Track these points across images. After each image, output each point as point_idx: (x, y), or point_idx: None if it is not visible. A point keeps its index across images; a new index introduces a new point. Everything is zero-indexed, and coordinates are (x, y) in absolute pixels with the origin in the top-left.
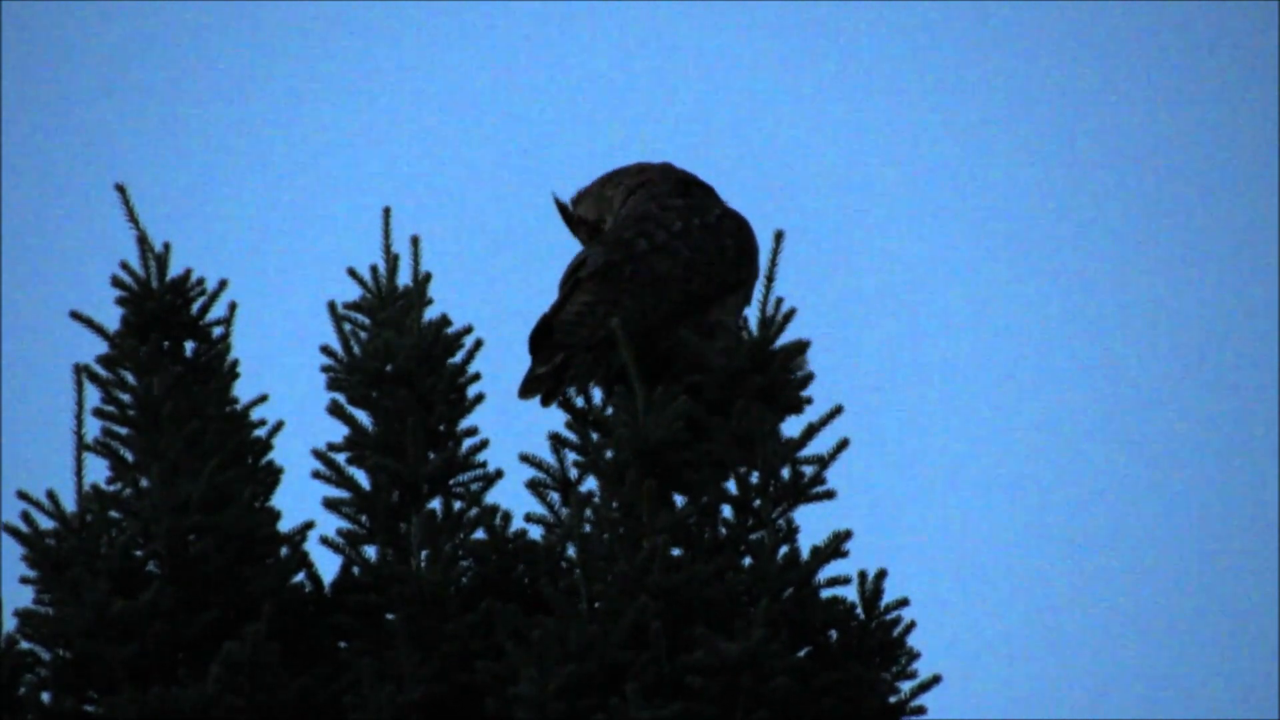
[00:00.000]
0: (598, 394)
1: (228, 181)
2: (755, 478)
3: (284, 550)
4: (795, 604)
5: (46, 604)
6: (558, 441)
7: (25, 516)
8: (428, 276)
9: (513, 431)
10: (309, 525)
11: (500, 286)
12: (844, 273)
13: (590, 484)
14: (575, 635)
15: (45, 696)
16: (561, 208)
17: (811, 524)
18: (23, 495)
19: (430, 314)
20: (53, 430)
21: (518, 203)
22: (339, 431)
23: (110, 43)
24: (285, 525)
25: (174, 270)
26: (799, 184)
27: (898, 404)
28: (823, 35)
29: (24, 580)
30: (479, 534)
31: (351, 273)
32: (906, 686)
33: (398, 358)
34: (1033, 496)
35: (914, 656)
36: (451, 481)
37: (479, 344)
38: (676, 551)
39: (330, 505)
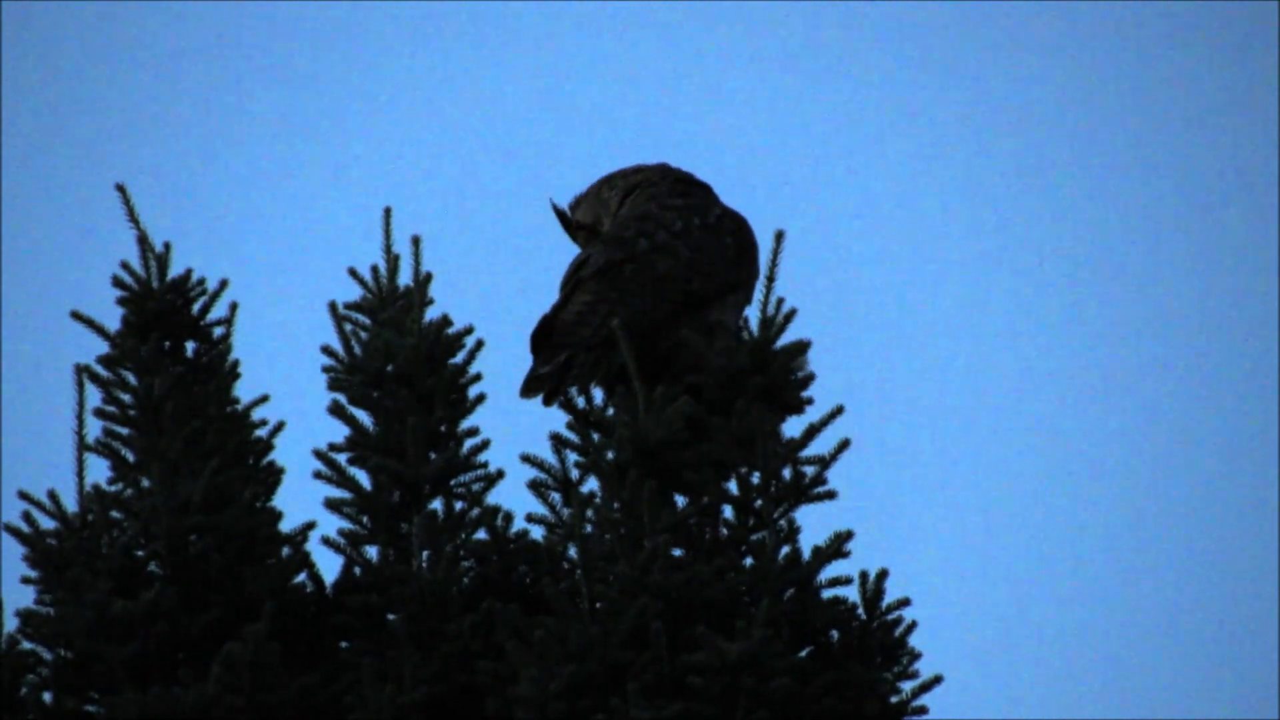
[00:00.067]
0: (599, 394)
1: (228, 181)
2: (756, 478)
3: (285, 550)
4: (796, 604)
5: (48, 604)
6: (559, 442)
7: (26, 516)
8: (428, 277)
9: (514, 432)
10: (310, 525)
11: (501, 287)
12: (844, 273)
13: (591, 484)
14: (576, 635)
15: (46, 696)
16: (559, 213)
17: (813, 524)
18: (24, 495)
19: (431, 314)
20: (54, 430)
21: (518, 203)
22: (340, 432)
23: (110, 43)
24: (286, 525)
25: (175, 270)
26: (799, 184)
27: (899, 404)
28: (823, 35)
29: (25, 580)
30: (480, 534)
31: (352, 273)
32: (908, 687)
33: (398, 358)
34: (1033, 496)
35: (915, 657)
36: (453, 482)
37: (480, 344)
38: (677, 552)
39: (331, 505)
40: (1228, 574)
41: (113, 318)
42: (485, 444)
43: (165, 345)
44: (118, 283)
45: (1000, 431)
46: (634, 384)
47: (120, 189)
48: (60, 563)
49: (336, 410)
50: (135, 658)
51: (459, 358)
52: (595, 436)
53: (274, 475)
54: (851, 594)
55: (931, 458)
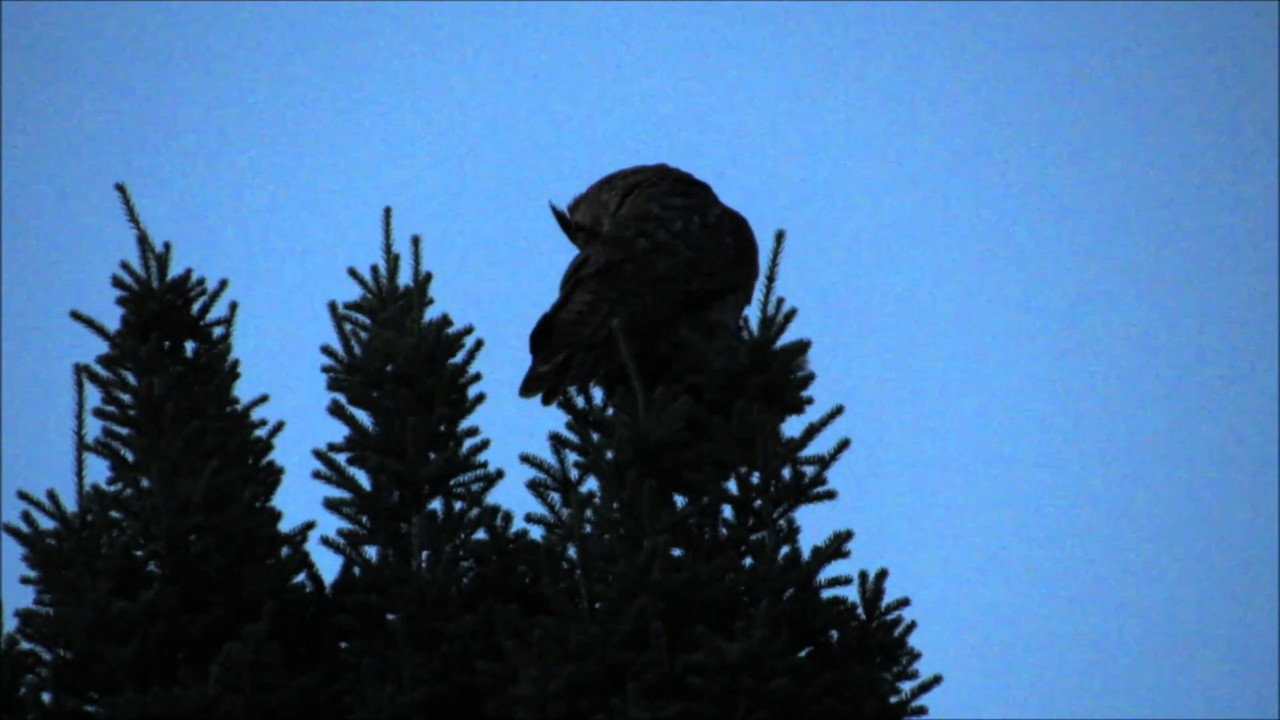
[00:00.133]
0: (598, 394)
1: (228, 181)
2: (756, 478)
3: (285, 551)
4: (796, 604)
5: (47, 604)
6: (558, 442)
7: (26, 516)
8: (428, 276)
9: (513, 432)
10: (310, 525)
11: (501, 287)
12: (844, 273)
13: (591, 484)
14: (576, 636)
15: (46, 697)
16: (558, 215)
17: (812, 524)
18: (23, 495)
19: (431, 314)
20: (53, 430)
21: (518, 203)
22: (340, 432)
23: (110, 43)
24: (286, 525)
25: (174, 270)
26: (799, 184)
27: (899, 404)
28: (822, 35)
29: (24, 580)
30: (480, 534)
31: (352, 273)
32: (907, 687)
33: (398, 358)
34: (1033, 496)
35: (915, 657)
36: (452, 482)
37: (479, 344)
38: (677, 552)
39: (331, 505)
40: (1228, 574)
41: (112, 318)
42: (485, 444)
43: (165, 345)
44: (117, 283)
45: (1000, 431)
46: (634, 384)
47: (120, 189)
48: (60, 563)
49: (336, 410)
50: (135, 658)
51: (459, 357)
52: (595, 436)
53: (273, 475)
54: (851, 594)
55: (931, 458)
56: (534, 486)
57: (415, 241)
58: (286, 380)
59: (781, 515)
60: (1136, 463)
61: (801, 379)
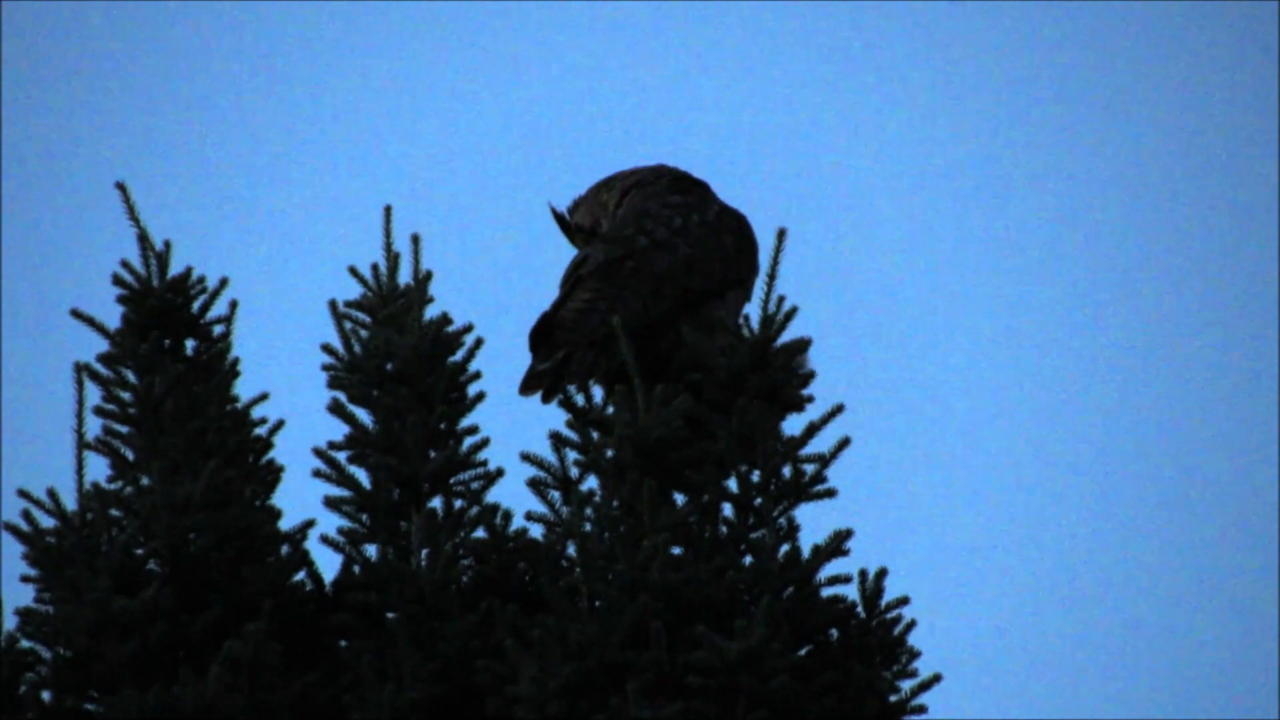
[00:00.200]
0: (598, 392)
1: (228, 180)
2: (756, 476)
3: (285, 549)
4: (796, 603)
5: (47, 602)
6: (558, 440)
7: (26, 515)
8: (428, 275)
9: (513, 430)
10: (309, 524)
11: (501, 285)
12: (845, 271)
13: (591, 483)
14: (576, 634)
15: (46, 695)
16: (558, 217)
17: (812, 523)
18: (23, 494)
19: (431, 312)
20: (53, 428)
21: (518, 202)
22: (340, 430)
23: (110, 43)
24: (286, 524)
25: (175, 268)
26: (799, 184)
27: (899, 403)
28: (823, 35)
29: (24, 579)
30: (479, 533)
31: (352, 271)
32: (907, 685)
33: (398, 356)
34: (1033, 495)
35: (915, 655)
36: (452, 480)
37: (479, 342)
38: (677, 550)
39: (331, 504)
40: (1228, 574)
41: (113, 316)
42: (485, 442)
43: (165, 343)
44: (118, 281)
45: (1000, 430)
46: (634, 382)
47: (120, 187)
48: (60, 561)
49: (336, 408)
50: (135, 656)
51: (458, 356)
52: (595, 435)
53: (274, 473)
54: (851, 592)
55: (931, 456)
56: (534, 485)
57: (415, 240)
58: (287, 378)
59: (782, 513)
60: (1137, 462)
61: (802, 377)
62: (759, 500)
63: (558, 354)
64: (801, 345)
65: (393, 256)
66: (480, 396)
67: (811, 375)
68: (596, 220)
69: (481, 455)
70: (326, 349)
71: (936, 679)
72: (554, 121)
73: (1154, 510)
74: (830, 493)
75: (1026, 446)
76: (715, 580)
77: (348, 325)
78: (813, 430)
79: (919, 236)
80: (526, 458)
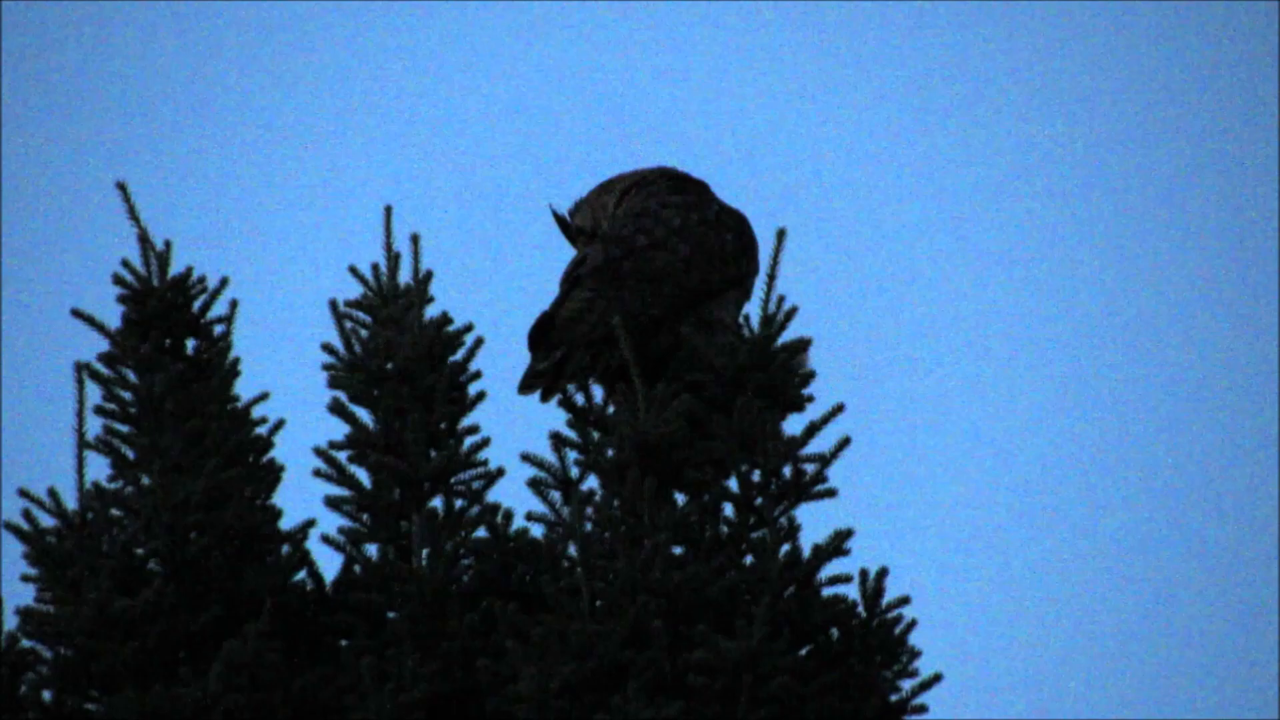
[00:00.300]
0: (599, 392)
1: (228, 180)
2: (757, 476)
3: (285, 548)
4: (797, 602)
5: (48, 602)
6: (559, 440)
7: (26, 514)
8: (429, 275)
9: (514, 430)
10: (310, 523)
11: (501, 285)
12: (846, 271)
13: (591, 482)
14: (576, 634)
15: (46, 695)
16: (559, 219)
17: (813, 522)
18: (24, 493)
19: (431, 312)
20: (54, 428)
21: (518, 202)
22: (340, 429)
23: (110, 43)
24: (286, 523)
25: (175, 268)
26: (799, 184)
27: (899, 402)
28: (823, 35)
29: (25, 578)
30: (480, 532)
31: (353, 271)
32: (908, 685)
33: (399, 356)
34: (1033, 495)
35: (915, 655)
36: (453, 480)
37: (480, 342)
38: (678, 550)
39: (331, 503)
40: (1228, 574)
41: (113, 315)
42: (485, 442)
43: (165, 343)
44: (118, 280)
45: (1000, 430)
46: (634, 381)
47: (121, 187)
48: (60, 561)
49: (337, 408)
50: (135, 656)
51: (459, 355)
52: (595, 435)
53: (274, 473)
54: (852, 592)
55: (932, 456)
56: (534, 485)
57: (415, 240)
58: (287, 378)
59: (782, 513)
60: (1137, 462)
61: (802, 377)
62: (760, 500)
63: (556, 353)
64: (802, 345)
65: (393, 256)
66: (481, 396)
67: (812, 375)
68: (597, 223)
69: (482, 455)
70: (327, 348)
71: (937, 678)
72: (554, 122)
73: (1154, 510)
74: (831, 492)
75: (1026, 446)
76: (716, 580)
77: (348, 325)
78: (813, 430)
79: (919, 236)
80: (527, 458)
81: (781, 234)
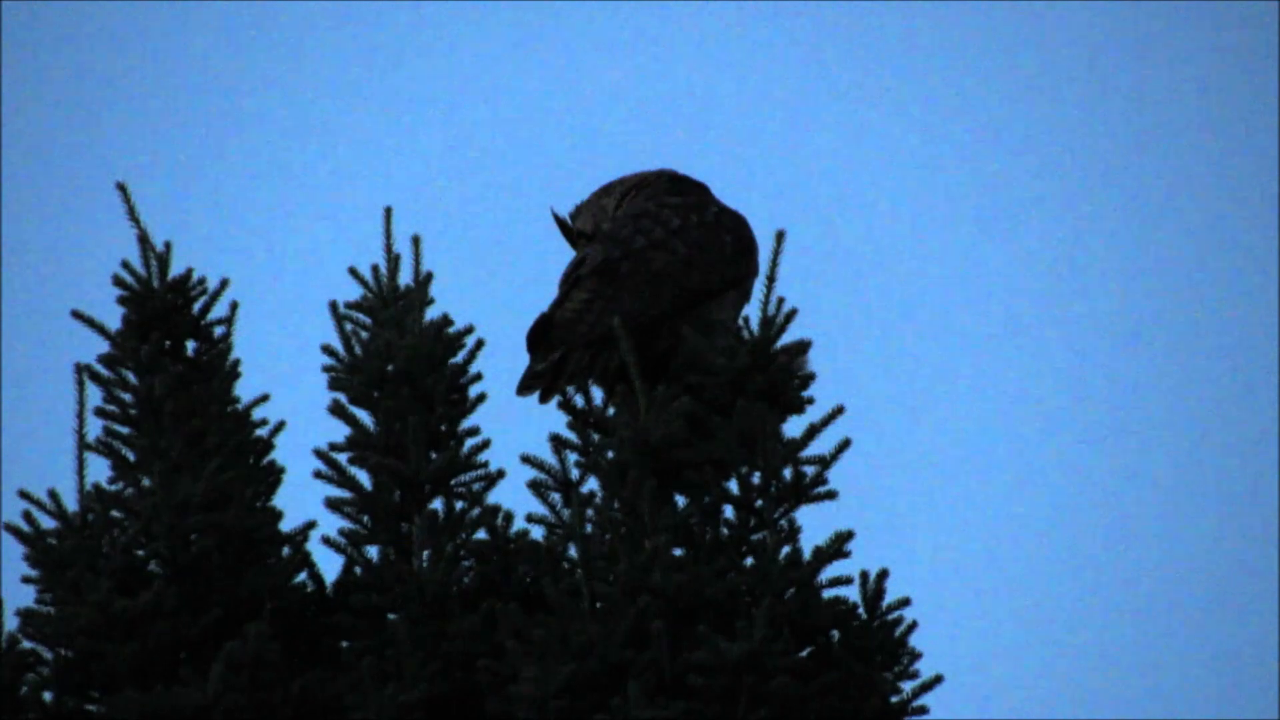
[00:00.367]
0: (599, 394)
1: (228, 181)
2: (757, 478)
3: (286, 550)
4: (797, 604)
5: (48, 603)
6: (559, 442)
7: (27, 516)
8: (429, 276)
9: (514, 431)
10: (310, 525)
11: (502, 286)
12: (846, 272)
13: (592, 484)
14: (577, 635)
15: (47, 696)
16: (560, 222)
17: (813, 524)
18: (24, 494)
19: (431, 314)
20: (54, 430)
21: (518, 202)
22: (340, 431)
23: (110, 43)
24: (287, 525)
25: (175, 269)
26: (799, 185)
27: (900, 404)
28: (822, 35)
29: (26, 580)
30: (481, 534)
31: (353, 272)
32: (908, 686)
33: (399, 357)
34: (1033, 496)
35: (916, 656)
36: (453, 481)
37: (480, 344)
38: (678, 552)
39: (332, 505)
40: (1228, 574)
41: (113, 317)
42: (486, 443)
43: (166, 344)
44: (118, 282)
45: (1001, 430)
46: (634, 383)
47: (121, 188)
48: (61, 562)
49: (337, 410)
50: (136, 657)
51: (459, 357)
52: (595, 436)
53: (274, 475)
54: (852, 594)
55: (932, 457)
56: (535, 486)
57: (416, 241)
58: (287, 380)
59: (783, 515)
60: (1137, 462)
61: (802, 379)
62: (760, 502)
63: (554, 354)
64: (801, 347)
65: (393, 258)
66: (481, 398)
67: (812, 377)
68: (598, 225)
69: (482, 457)
70: (327, 350)
71: (938, 680)
72: (554, 122)
73: (1154, 510)
74: (831, 494)
75: (1027, 447)
76: (716, 581)
77: (348, 326)
78: (813, 432)
79: (919, 237)
80: (527, 460)
81: (781, 235)
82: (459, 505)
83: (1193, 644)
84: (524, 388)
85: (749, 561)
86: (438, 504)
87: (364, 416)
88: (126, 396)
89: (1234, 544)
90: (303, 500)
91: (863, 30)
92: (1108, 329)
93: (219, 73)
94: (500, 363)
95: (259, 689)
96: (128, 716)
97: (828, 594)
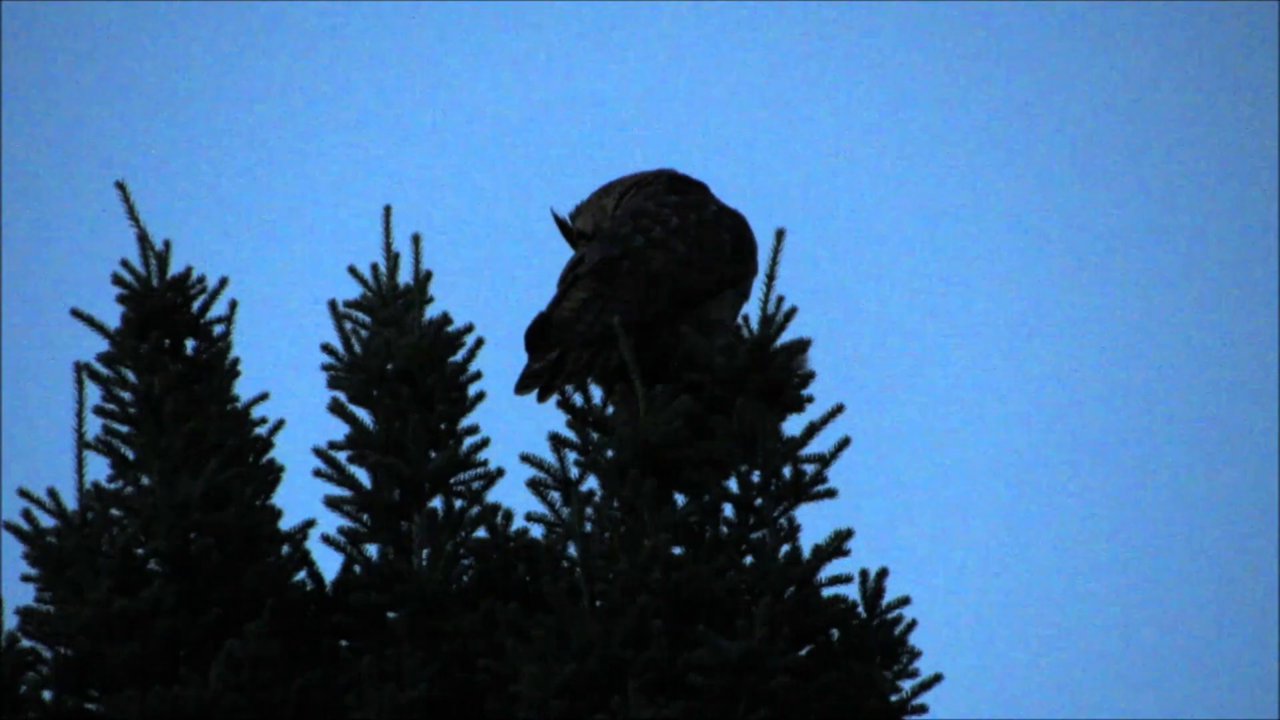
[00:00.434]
0: (598, 393)
1: (228, 180)
2: (756, 476)
3: (285, 549)
4: (797, 603)
5: (48, 602)
6: (558, 441)
7: (26, 514)
8: (428, 275)
9: (514, 430)
10: (310, 524)
11: (501, 285)
12: (845, 271)
13: (591, 483)
14: (576, 634)
15: (47, 695)
16: (560, 223)
17: (813, 523)
18: (24, 493)
19: (431, 312)
20: (54, 428)
21: (518, 202)
22: (340, 430)
23: (110, 43)
24: (286, 524)
25: (175, 268)
26: (799, 183)
27: (899, 403)
28: (822, 35)
29: (25, 578)
30: (480, 532)
31: (352, 271)
32: (908, 685)
33: (398, 356)
34: (1033, 495)
35: (915, 655)
36: (452, 480)
37: (480, 342)
38: (678, 550)
39: (331, 504)
40: (1228, 574)
41: (113, 315)
42: (485, 442)
43: (165, 343)
44: (118, 280)
45: (1000, 429)
46: (634, 382)
47: (120, 186)
48: (60, 561)
49: (336, 408)
50: (136, 656)
51: (459, 356)
52: (594, 435)
53: (274, 473)
54: (852, 592)
55: (932, 456)
56: (534, 485)
57: (415, 240)
58: (287, 378)
59: (782, 514)
60: (1137, 461)
61: (802, 377)
62: (759, 500)
63: (552, 353)
64: (801, 345)
65: (393, 256)
66: (480, 396)
67: (811, 375)
68: (598, 226)
69: (482, 455)
70: (326, 349)
71: (937, 679)
72: (554, 122)
73: (1154, 510)
74: (830, 493)
75: (1027, 446)
76: (716, 580)
77: (348, 325)
78: (813, 430)
79: (919, 236)
80: (526, 458)
81: (781, 234)
82: (458, 504)
83: (1193, 644)
84: (522, 386)
85: (749, 560)
86: (437, 502)
87: (363, 415)
88: (126, 395)
89: (1234, 544)
90: (302, 499)
91: (862, 30)
92: (1108, 328)
93: (219, 72)
94: (499, 362)
95: (259, 688)
96: (128, 716)
97: (827, 592)
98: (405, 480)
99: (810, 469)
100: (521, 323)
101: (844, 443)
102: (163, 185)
